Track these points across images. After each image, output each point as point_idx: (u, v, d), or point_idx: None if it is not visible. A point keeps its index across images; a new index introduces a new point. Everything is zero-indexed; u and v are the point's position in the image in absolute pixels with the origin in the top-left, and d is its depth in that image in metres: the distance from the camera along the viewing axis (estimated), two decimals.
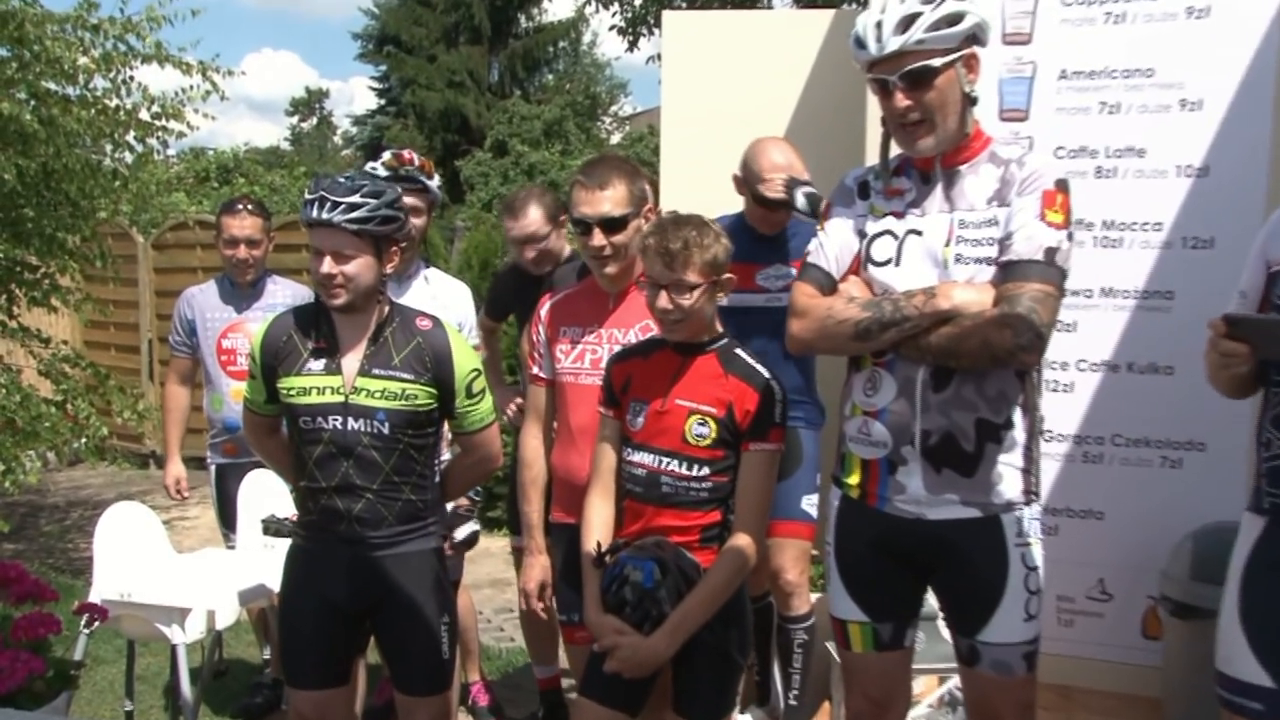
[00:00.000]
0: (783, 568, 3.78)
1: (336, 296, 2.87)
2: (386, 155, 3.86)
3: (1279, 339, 2.23)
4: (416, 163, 3.93)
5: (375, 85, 35.42)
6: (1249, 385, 2.40)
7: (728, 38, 5.20)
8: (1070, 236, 2.45)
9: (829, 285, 2.60)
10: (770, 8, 16.12)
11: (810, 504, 3.79)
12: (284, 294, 4.57)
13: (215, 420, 4.57)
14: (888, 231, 2.58)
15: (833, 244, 2.63)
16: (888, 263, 2.55)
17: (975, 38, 2.47)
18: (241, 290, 4.57)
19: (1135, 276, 4.23)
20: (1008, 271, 2.41)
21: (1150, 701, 4.02)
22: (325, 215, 2.81)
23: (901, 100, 2.45)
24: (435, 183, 3.97)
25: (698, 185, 4.21)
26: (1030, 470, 2.55)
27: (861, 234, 2.62)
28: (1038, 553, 2.56)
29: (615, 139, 32.53)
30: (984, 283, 2.44)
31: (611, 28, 18.57)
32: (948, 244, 2.50)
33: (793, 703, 3.93)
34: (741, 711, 4.13)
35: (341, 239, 2.83)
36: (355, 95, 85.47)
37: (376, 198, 2.86)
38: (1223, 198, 4.01)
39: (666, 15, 5.70)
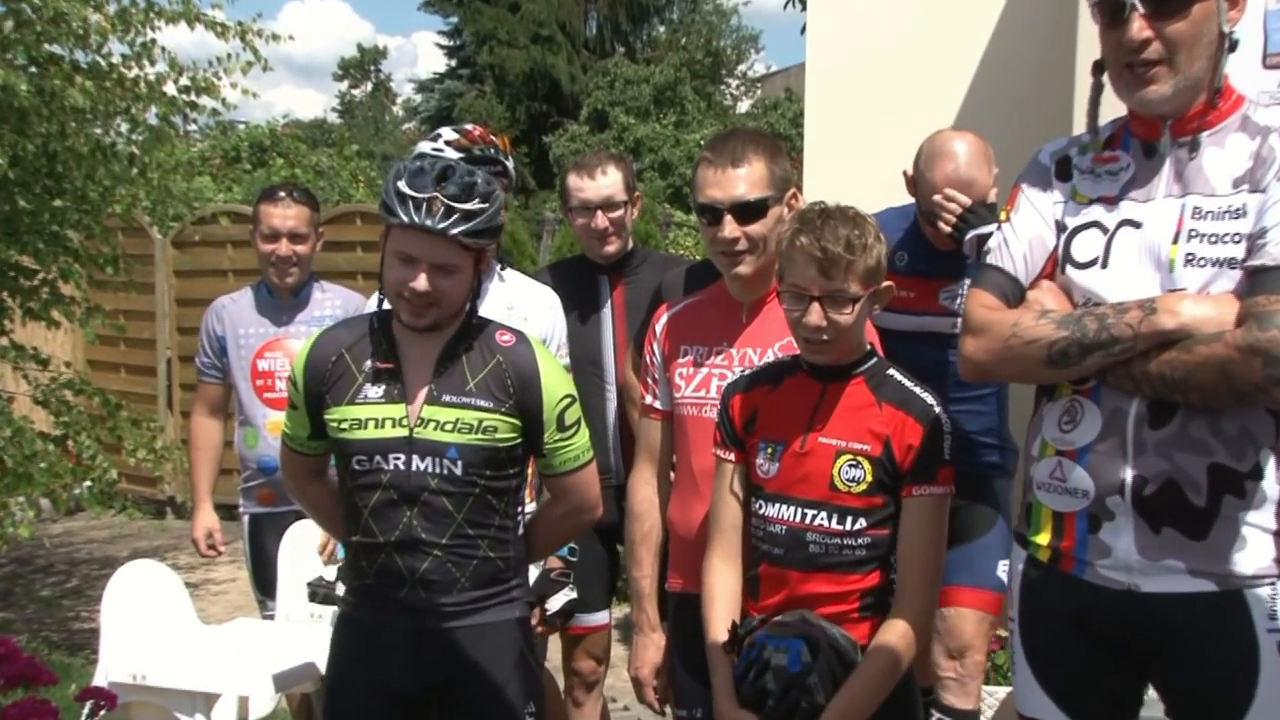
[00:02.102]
0: (968, 646, 3.76)
1: (424, 316, 2.92)
2: (449, 133, 3.87)
3: None
4: (490, 139, 3.95)
5: (444, 42, 36.16)
6: None
7: None
8: None
9: (1015, 293, 2.59)
10: None
11: (1005, 570, 3.76)
12: (333, 303, 4.68)
13: (249, 459, 4.69)
14: (1095, 223, 2.55)
15: (1021, 239, 2.62)
16: (1093, 263, 2.53)
17: None
18: (281, 299, 4.69)
19: None
20: (1259, 280, 2.36)
21: None
22: (438, 224, 2.83)
23: (1141, 30, 2.40)
24: (511, 163, 4.00)
25: (849, 162, 4.23)
26: None
27: (1060, 226, 2.60)
28: None
29: (743, 107, 32.69)
30: (1224, 294, 2.40)
31: None
32: (1175, 240, 2.46)
33: None
34: None
35: (449, 251, 2.88)
36: (419, 54, 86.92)
37: (489, 200, 2.90)
38: None
39: None
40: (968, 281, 3.58)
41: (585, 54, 33.18)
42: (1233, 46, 2.47)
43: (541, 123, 31.45)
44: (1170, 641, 2.51)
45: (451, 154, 3.77)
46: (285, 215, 4.63)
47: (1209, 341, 2.34)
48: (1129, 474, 2.46)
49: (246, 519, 4.72)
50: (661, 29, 35.19)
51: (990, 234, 3.49)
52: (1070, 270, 2.56)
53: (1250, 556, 2.45)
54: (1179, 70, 2.42)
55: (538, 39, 32.74)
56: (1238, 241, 2.40)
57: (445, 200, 2.82)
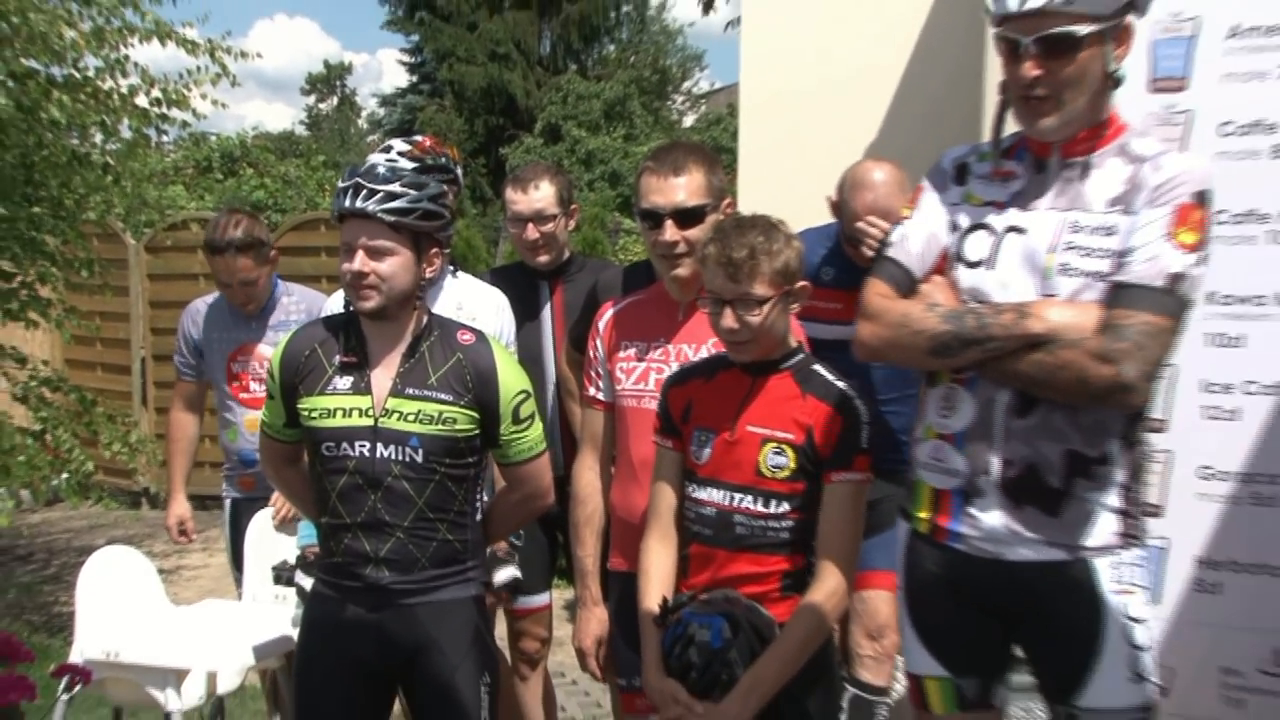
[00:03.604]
0: (885, 627, 3.81)
1: (368, 299, 2.96)
2: (400, 144, 3.88)
3: None
4: (440, 149, 3.92)
5: (406, 59, 36.02)
6: None
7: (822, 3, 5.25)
8: (1202, 261, 2.46)
9: (908, 285, 2.65)
10: None
11: None
12: (298, 306, 4.68)
13: (230, 452, 4.73)
14: (985, 226, 2.61)
15: (918, 236, 2.68)
16: (980, 264, 2.60)
17: (1133, 4, 2.49)
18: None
19: None
20: (1119, 295, 2.43)
21: None
22: (360, 204, 2.92)
23: (1031, 69, 2.47)
24: (461, 171, 3.99)
25: (783, 177, 4.27)
26: (1131, 513, 2.58)
27: (954, 226, 2.66)
28: (1143, 603, 2.58)
29: (688, 121, 32.75)
30: (1089, 302, 2.46)
31: None
32: (1053, 249, 2.53)
33: None
34: None
35: (377, 232, 2.94)
36: (383, 70, 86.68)
37: (418, 189, 2.97)
38: None
39: None
40: None
41: (539, 71, 33.09)
42: (1117, 83, 2.56)
43: (498, 135, 31.38)
44: (1031, 604, 2.61)
45: (405, 164, 3.78)
46: (230, 268, 4.53)
47: (1070, 346, 2.42)
48: (997, 457, 2.56)
49: (228, 503, 4.76)
50: (611, 48, 35.17)
51: None
52: (960, 268, 2.63)
53: (1097, 531, 2.56)
54: (1065, 105, 2.50)
55: (495, 56, 32.63)
56: (1106, 257, 2.48)
57: (366, 184, 2.91)
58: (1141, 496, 2.64)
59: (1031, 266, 2.54)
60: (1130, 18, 2.50)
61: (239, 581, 4.65)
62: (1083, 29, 2.43)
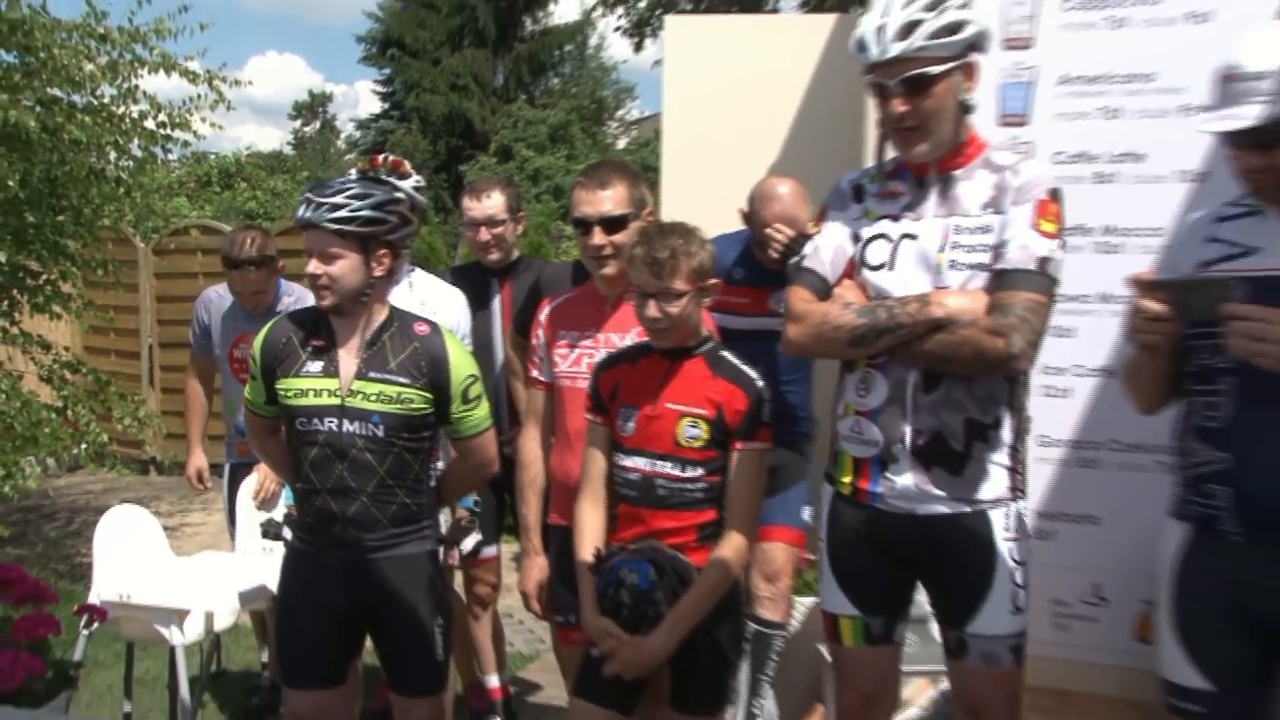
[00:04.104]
0: (780, 572, 3.85)
1: (324, 297, 2.96)
2: (358, 165, 3.90)
3: (1202, 298, 2.27)
4: (395, 164, 3.94)
5: (379, 89, 35.49)
6: (1161, 391, 2.51)
7: (730, 42, 5.27)
8: (1062, 246, 2.52)
9: (824, 290, 2.67)
10: (776, 11, 16.21)
11: (809, 514, 3.86)
12: (299, 303, 4.59)
13: (230, 423, 4.68)
14: (882, 235, 2.63)
15: (828, 248, 2.69)
16: (882, 267, 2.62)
17: (975, 46, 2.53)
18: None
19: None
20: (1001, 280, 2.47)
21: (1144, 705, 4.08)
22: (309, 215, 2.92)
23: (898, 106, 2.50)
24: (410, 183, 3.89)
25: (699, 191, 4.29)
26: (1016, 469, 2.62)
27: (856, 237, 2.67)
28: (1024, 547, 2.63)
29: (622, 143, 32.59)
30: (977, 290, 2.50)
31: (617, 29, 18.72)
32: (942, 249, 2.56)
33: (755, 711, 3.97)
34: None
35: (326, 239, 2.93)
36: (360, 99, 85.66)
37: (361, 199, 2.94)
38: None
39: (669, 20, 5.79)
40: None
41: (494, 99, 32.80)
42: (970, 109, 2.59)
43: (458, 155, 31.07)
44: (937, 549, 2.63)
45: (352, 178, 3.75)
46: (246, 279, 4.51)
47: (967, 326, 2.45)
48: (908, 428, 2.58)
49: (227, 468, 4.72)
50: (556, 80, 34.90)
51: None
52: (865, 271, 2.65)
53: (992, 486, 2.60)
54: (932, 132, 2.53)
55: (455, 87, 32.32)
56: (986, 251, 2.52)
57: (315, 198, 2.90)
58: (1024, 455, 2.68)
59: (925, 265, 2.57)
60: (974, 56, 2.54)
61: (233, 536, 4.62)
62: (935, 69, 2.47)
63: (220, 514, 4.97)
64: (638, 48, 18.93)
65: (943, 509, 2.60)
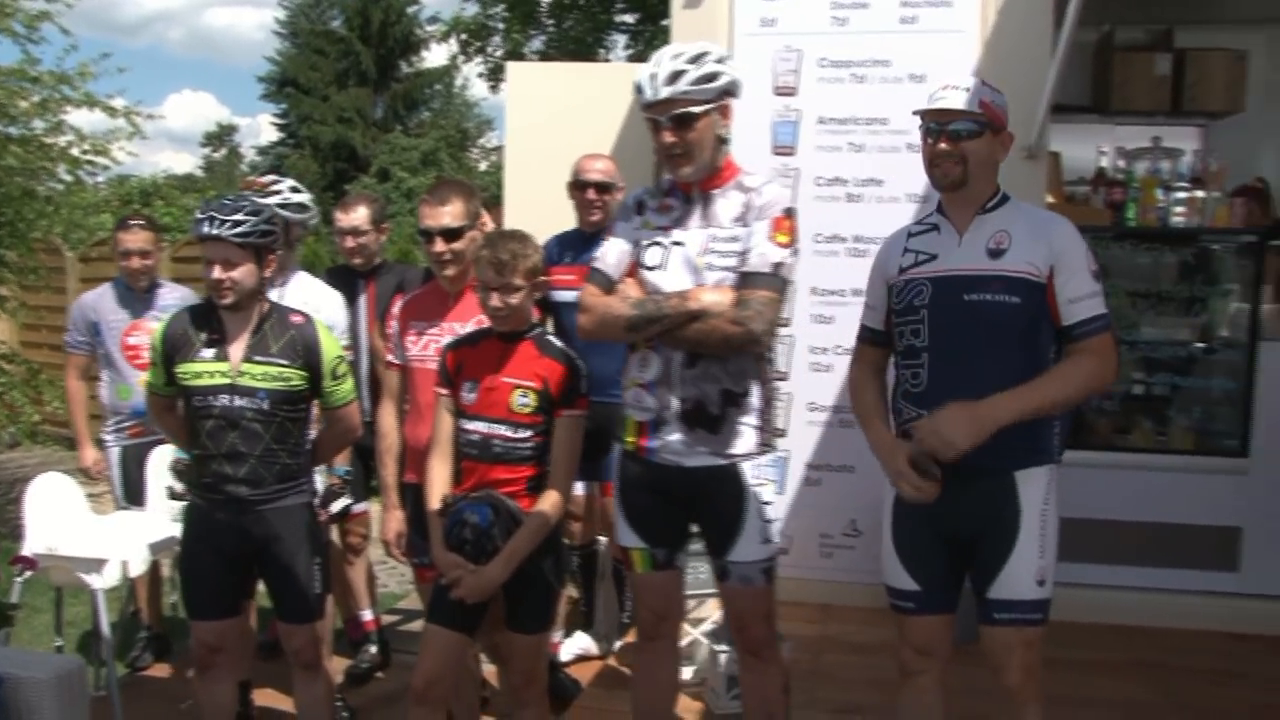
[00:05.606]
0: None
1: (225, 298, 2.94)
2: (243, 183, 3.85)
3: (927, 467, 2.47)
4: (261, 184, 3.86)
5: (277, 121, 34.30)
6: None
7: (559, 85, 5.31)
8: (795, 253, 2.61)
9: (608, 286, 2.69)
10: (609, 60, 16.30)
11: None
12: (174, 296, 4.48)
13: (123, 408, 4.44)
14: (657, 242, 2.68)
15: (614, 251, 2.73)
16: (656, 267, 2.65)
17: (729, 92, 2.60)
18: (137, 295, 4.45)
19: None
20: (744, 280, 2.54)
21: (886, 611, 4.31)
22: (214, 231, 2.89)
23: (668, 136, 2.56)
24: (278, 199, 3.75)
25: (536, 203, 4.38)
26: (764, 428, 2.69)
27: (637, 243, 2.71)
28: (770, 491, 2.70)
29: (483, 166, 32.20)
30: (727, 287, 2.56)
31: (479, 74, 18.52)
32: (702, 254, 2.61)
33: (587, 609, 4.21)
34: (568, 635, 4.28)
35: (228, 250, 2.91)
36: (261, 129, 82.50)
37: (256, 215, 2.95)
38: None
39: (510, 65, 5.80)
40: None
41: (374, 129, 32.02)
42: (726, 141, 2.65)
43: (344, 176, 30.23)
44: (701, 495, 2.69)
45: (247, 198, 3.69)
46: (135, 239, 4.38)
47: (716, 316, 2.52)
48: (675, 397, 2.63)
49: (116, 450, 4.43)
50: (427, 114, 34.24)
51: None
52: (643, 271, 2.69)
53: (743, 442, 2.66)
54: (695, 159, 2.59)
55: (341, 119, 31.50)
56: (734, 256, 2.58)
57: (218, 215, 2.90)
58: (772, 420, 2.73)
59: (690, 268, 2.61)
60: (728, 100, 2.61)
61: (122, 508, 4.40)
62: (697, 109, 2.53)
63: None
64: (494, 89, 18.80)
65: (704, 461, 2.63)
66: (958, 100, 2.52)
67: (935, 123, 2.55)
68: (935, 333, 2.54)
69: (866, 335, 2.79)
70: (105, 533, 4.02)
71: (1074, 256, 2.48)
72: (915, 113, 2.62)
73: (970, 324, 2.49)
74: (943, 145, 2.53)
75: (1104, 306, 2.49)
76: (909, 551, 2.64)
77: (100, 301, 4.49)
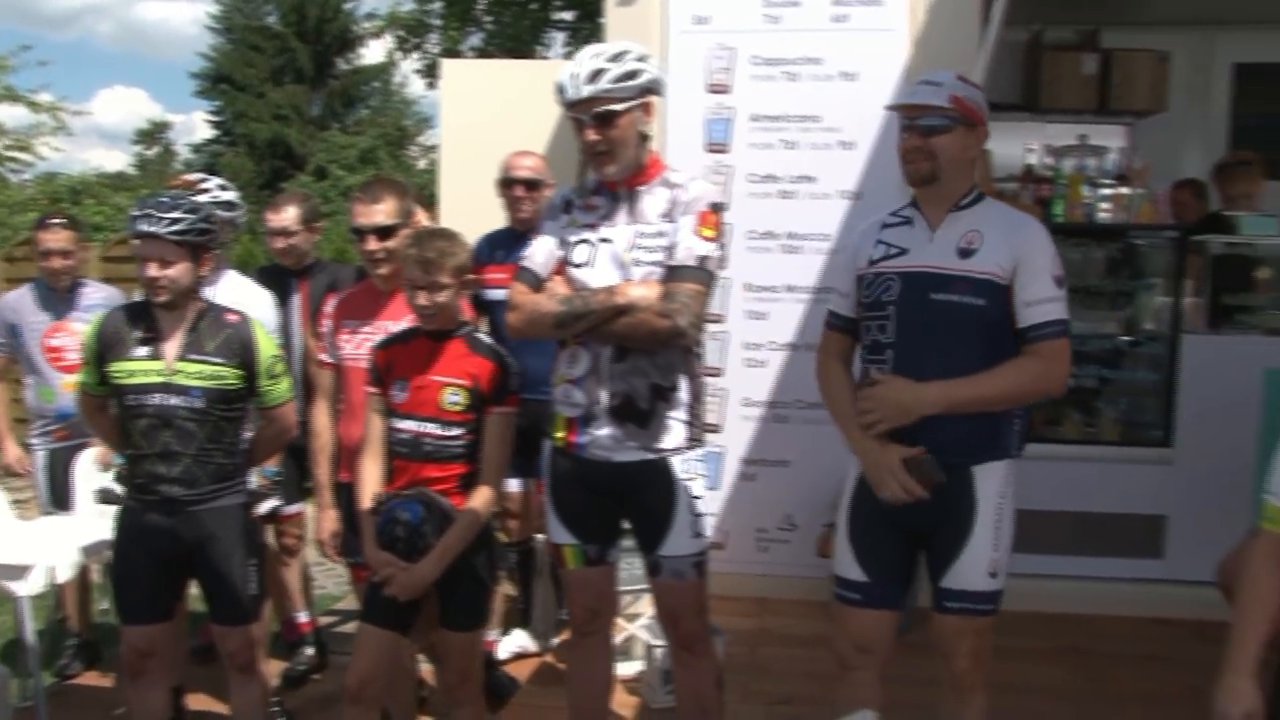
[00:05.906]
0: (533, 512, 3.96)
1: (161, 295, 2.91)
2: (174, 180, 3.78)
3: (919, 470, 2.49)
4: (192, 184, 3.83)
5: (211, 118, 33.68)
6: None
7: (495, 82, 5.31)
8: (721, 248, 2.62)
9: (537, 284, 2.68)
10: (546, 58, 16.28)
11: None
12: (99, 296, 4.38)
13: (47, 410, 4.33)
14: (585, 240, 2.68)
15: (541, 250, 2.72)
16: (584, 264, 2.65)
17: (650, 89, 2.60)
18: (59, 295, 4.34)
19: (811, 276, 4.59)
20: (670, 274, 2.55)
21: (822, 605, 4.35)
22: (151, 228, 2.85)
23: (591, 135, 2.56)
24: (206, 198, 3.73)
25: (470, 200, 4.38)
26: (693, 423, 2.70)
27: (564, 242, 2.71)
28: (700, 485, 2.71)
29: (422, 164, 31.93)
30: (654, 281, 2.57)
31: (416, 72, 18.37)
32: (629, 250, 2.62)
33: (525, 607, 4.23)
34: (505, 633, 4.28)
35: (165, 248, 2.88)
36: (195, 127, 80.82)
37: (194, 213, 2.93)
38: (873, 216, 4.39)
39: (445, 63, 5.78)
40: None
41: (311, 127, 31.57)
42: (648, 138, 2.67)
43: (280, 174, 29.77)
44: (632, 489, 2.69)
45: (182, 197, 3.64)
46: (56, 238, 4.25)
47: (643, 310, 2.52)
48: (605, 392, 2.63)
49: (41, 454, 4.33)
50: (365, 111, 33.83)
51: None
52: (571, 269, 2.68)
53: (672, 437, 2.66)
54: (619, 157, 2.59)
55: (278, 116, 31.00)
56: (661, 251, 2.59)
57: (155, 213, 2.87)
58: (701, 414, 2.73)
59: (618, 264, 2.60)
60: (650, 97, 2.61)
61: (50, 514, 4.28)
62: (618, 106, 2.54)
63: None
64: (430, 86, 18.64)
65: (634, 456, 2.63)
66: (927, 95, 2.54)
67: (906, 118, 2.58)
68: (902, 330, 2.55)
69: (836, 322, 2.78)
70: (30, 538, 3.94)
71: (1038, 260, 2.49)
72: (887, 108, 2.65)
73: (935, 323, 2.51)
74: (912, 140, 2.56)
75: (1063, 313, 2.50)
76: (863, 543, 2.65)
77: (20, 302, 4.38)
